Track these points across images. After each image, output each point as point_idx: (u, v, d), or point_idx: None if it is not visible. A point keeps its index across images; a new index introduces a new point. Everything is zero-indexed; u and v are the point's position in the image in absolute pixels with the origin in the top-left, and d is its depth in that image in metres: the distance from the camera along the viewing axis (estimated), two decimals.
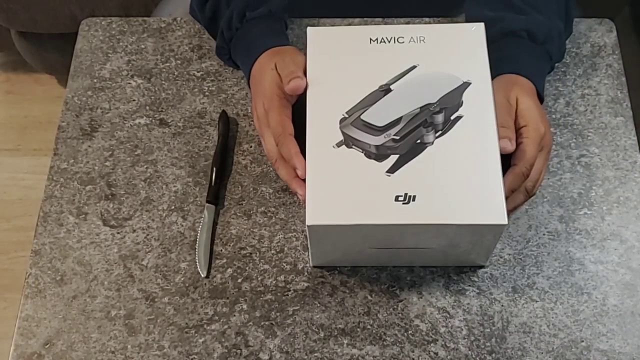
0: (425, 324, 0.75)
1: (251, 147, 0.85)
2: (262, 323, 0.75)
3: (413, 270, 0.78)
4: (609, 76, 0.89)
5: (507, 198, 0.68)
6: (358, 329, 0.75)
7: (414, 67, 0.74)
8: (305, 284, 0.77)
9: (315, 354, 0.74)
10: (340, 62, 0.75)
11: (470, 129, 0.70)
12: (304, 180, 0.70)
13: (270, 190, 0.82)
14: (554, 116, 0.86)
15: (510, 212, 0.68)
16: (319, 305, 0.76)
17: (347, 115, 0.72)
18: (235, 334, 0.75)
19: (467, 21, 0.86)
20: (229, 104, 0.88)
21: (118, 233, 0.80)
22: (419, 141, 0.70)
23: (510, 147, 0.73)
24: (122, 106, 0.88)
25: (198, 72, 0.91)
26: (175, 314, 0.76)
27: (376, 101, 0.72)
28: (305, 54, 0.77)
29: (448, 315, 0.75)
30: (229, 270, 0.78)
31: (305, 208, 0.68)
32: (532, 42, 0.82)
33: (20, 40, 1.56)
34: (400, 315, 0.76)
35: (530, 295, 0.76)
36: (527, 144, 0.75)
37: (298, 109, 0.78)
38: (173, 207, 0.82)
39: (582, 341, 0.74)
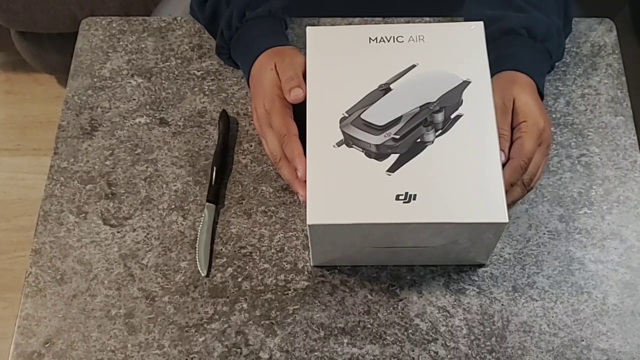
0: (426, 323, 0.75)
1: (251, 146, 0.85)
2: (262, 322, 0.75)
3: (413, 270, 0.78)
4: (609, 75, 0.89)
5: (505, 192, 0.68)
6: (358, 328, 0.75)
7: (414, 66, 0.74)
8: (306, 283, 0.77)
9: (316, 353, 0.74)
10: (340, 62, 0.75)
11: (470, 128, 0.70)
12: (305, 181, 0.70)
13: (271, 189, 0.82)
14: (554, 115, 0.86)
15: (508, 206, 0.68)
16: (319, 304, 0.76)
17: (347, 115, 0.72)
18: (235, 333, 0.75)
19: (466, 20, 0.86)
20: (229, 103, 0.88)
21: (118, 232, 0.80)
22: (419, 140, 0.70)
23: (502, 158, 0.72)
24: (123, 105, 0.88)
25: (198, 71, 0.91)
26: (175, 313, 0.76)
27: (376, 100, 0.72)
28: (305, 54, 0.77)
29: (448, 315, 0.75)
30: (229, 269, 0.78)
31: (305, 208, 0.68)
32: (532, 40, 0.82)
33: (20, 40, 1.56)
34: (400, 314, 0.76)
35: (530, 294, 0.76)
36: (525, 138, 0.75)
37: (298, 108, 0.78)
38: (173, 206, 0.82)
39: (582, 340, 0.74)
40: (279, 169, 0.79)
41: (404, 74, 0.73)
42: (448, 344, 0.74)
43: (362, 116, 0.71)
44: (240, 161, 0.84)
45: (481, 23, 0.76)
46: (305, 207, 0.68)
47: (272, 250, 0.79)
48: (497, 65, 0.79)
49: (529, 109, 0.76)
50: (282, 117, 0.77)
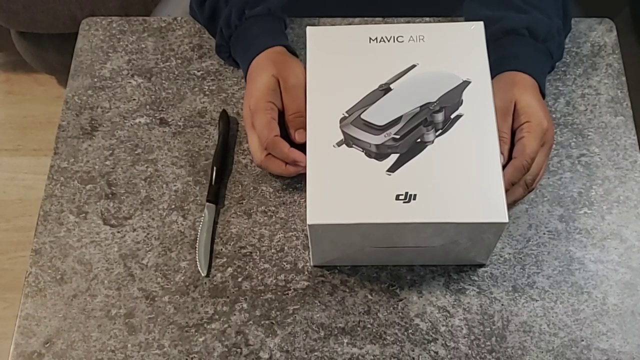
0: (426, 323, 0.75)
1: None
2: (263, 322, 0.75)
3: (413, 269, 0.78)
4: (609, 75, 0.89)
5: (506, 191, 0.68)
6: (358, 328, 0.75)
7: (414, 66, 0.74)
8: (306, 283, 0.77)
9: (316, 353, 0.74)
10: (340, 62, 0.75)
11: (470, 128, 0.70)
12: (305, 171, 0.70)
13: (271, 189, 0.82)
14: (554, 115, 0.86)
15: (509, 205, 0.68)
16: (319, 304, 0.76)
17: (347, 115, 0.72)
18: (235, 333, 0.75)
19: (466, 21, 0.86)
20: (229, 103, 0.88)
21: (118, 232, 0.80)
22: (419, 140, 0.70)
23: (501, 161, 0.73)
24: (123, 105, 0.88)
25: (198, 71, 0.91)
26: (175, 313, 0.76)
27: (376, 100, 0.72)
28: (305, 54, 0.77)
29: (448, 315, 0.75)
30: (229, 269, 0.78)
31: (305, 207, 0.68)
32: (534, 40, 0.82)
33: (20, 40, 1.56)
34: (400, 314, 0.76)
35: (530, 294, 0.76)
36: (528, 138, 0.75)
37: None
38: (173, 206, 0.82)
39: (582, 340, 0.74)
40: (265, 168, 0.80)
41: (404, 74, 0.73)
42: (448, 344, 0.74)
43: (362, 116, 0.71)
44: (240, 161, 0.84)
45: (481, 23, 0.76)
46: (305, 206, 0.68)
47: (272, 250, 0.79)
48: (499, 66, 0.79)
49: (532, 109, 0.76)
50: (265, 118, 0.78)
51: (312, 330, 0.75)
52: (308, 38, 0.77)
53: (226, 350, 0.74)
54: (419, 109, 0.71)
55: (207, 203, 0.81)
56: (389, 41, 0.76)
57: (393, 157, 0.69)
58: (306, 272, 0.78)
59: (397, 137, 0.70)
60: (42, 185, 0.83)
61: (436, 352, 0.74)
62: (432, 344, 0.74)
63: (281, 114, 0.80)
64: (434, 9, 0.93)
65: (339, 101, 0.72)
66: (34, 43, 1.56)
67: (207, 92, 0.89)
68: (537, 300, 0.76)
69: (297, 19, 0.93)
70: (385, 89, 0.73)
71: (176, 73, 0.91)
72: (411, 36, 0.76)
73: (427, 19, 0.93)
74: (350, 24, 0.92)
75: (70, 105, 0.89)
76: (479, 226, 0.68)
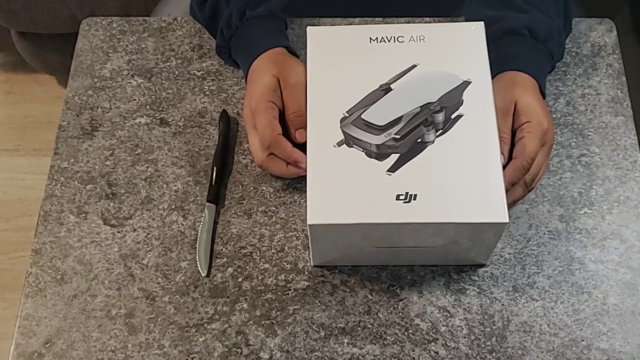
0: (426, 323, 0.75)
1: None
2: (263, 322, 0.75)
3: (413, 270, 0.78)
4: (609, 76, 0.89)
5: (506, 191, 0.68)
6: (358, 328, 0.75)
7: (414, 66, 0.74)
8: (306, 283, 0.77)
9: (316, 353, 0.74)
10: (340, 62, 0.75)
11: (471, 128, 0.70)
12: (303, 167, 0.70)
13: (271, 189, 0.82)
14: (554, 115, 0.86)
15: (509, 205, 0.68)
16: (319, 304, 0.76)
17: (347, 115, 0.72)
18: (235, 333, 0.75)
19: (466, 20, 0.86)
20: (229, 104, 0.88)
21: (118, 232, 0.80)
22: (419, 140, 0.70)
23: (501, 161, 0.72)
24: (123, 105, 0.88)
25: (198, 71, 0.91)
26: (175, 313, 0.76)
27: (376, 100, 0.72)
28: (305, 54, 0.77)
29: (448, 315, 0.75)
30: (230, 269, 0.78)
31: (306, 207, 0.68)
32: (534, 40, 0.82)
33: (20, 40, 1.56)
34: (400, 314, 0.76)
35: (530, 294, 0.76)
36: (528, 138, 0.75)
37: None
38: (173, 207, 0.82)
39: (583, 340, 0.74)
40: (266, 169, 0.80)
41: (405, 74, 0.73)
42: (448, 344, 0.74)
43: (362, 116, 0.71)
44: (240, 161, 0.84)
45: (481, 23, 0.76)
46: (306, 206, 0.68)
47: (273, 250, 0.79)
48: (499, 66, 0.79)
49: (532, 109, 0.76)
50: (267, 117, 0.77)
51: (313, 330, 0.75)
52: (308, 38, 0.77)
53: (226, 350, 0.74)
54: (419, 109, 0.72)
55: (207, 203, 0.81)
56: (389, 41, 0.76)
57: (393, 157, 0.69)
58: (306, 272, 0.78)
59: (398, 137, 0.70)
60: (42, 185, 0.83)
61: (436, 352, 0.74)
62: (433, 344, 0.74)
63: (281, 115, 0.80)
64: (434, 9, 0.93)
65: (339, 101, 0.72)
66: (34, 43, 1.55)
67: (207, 92, 0.89)
68: (537, 300, 0.76)
69: (297, 19, 0.93)
70: (385, 89, 0.73)
71: (176, 73, 0.91)
72: (411, 36, 0.76)
73: (427, 19, 0.93)
74: (350, 24, 0.92)
75: (70, 105, 0.89)
76: (479, 226, 0.68)
